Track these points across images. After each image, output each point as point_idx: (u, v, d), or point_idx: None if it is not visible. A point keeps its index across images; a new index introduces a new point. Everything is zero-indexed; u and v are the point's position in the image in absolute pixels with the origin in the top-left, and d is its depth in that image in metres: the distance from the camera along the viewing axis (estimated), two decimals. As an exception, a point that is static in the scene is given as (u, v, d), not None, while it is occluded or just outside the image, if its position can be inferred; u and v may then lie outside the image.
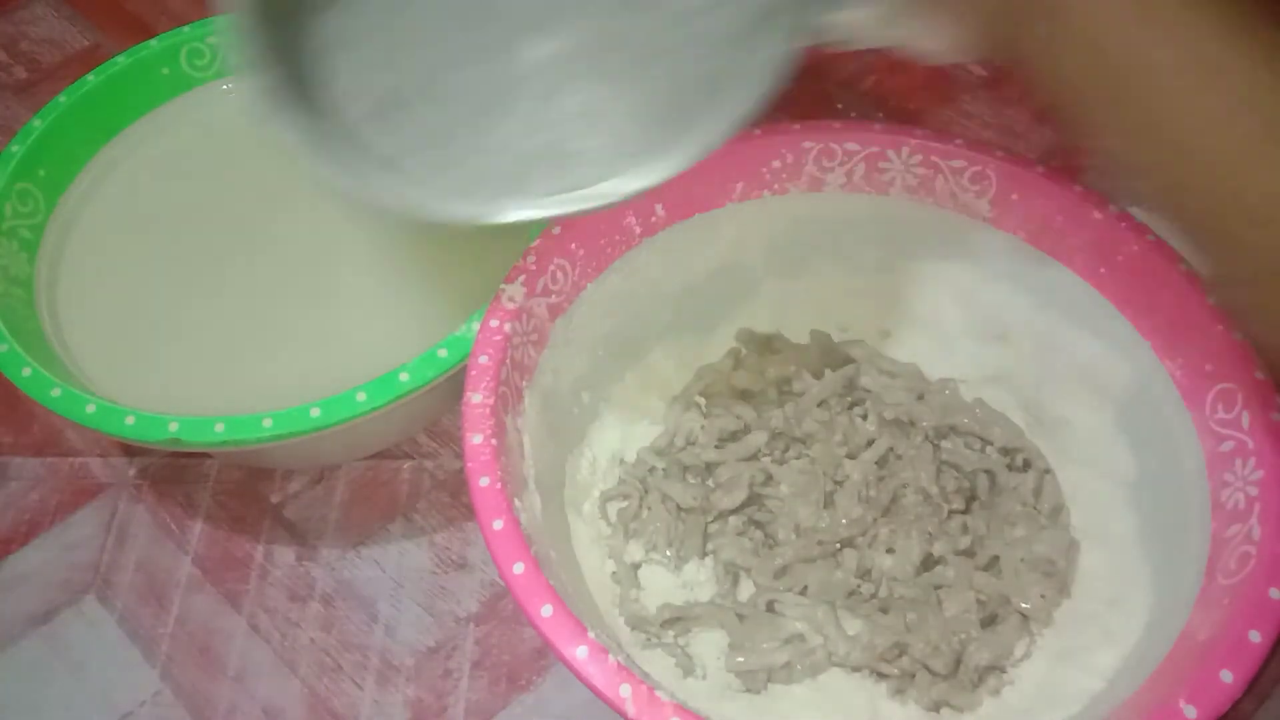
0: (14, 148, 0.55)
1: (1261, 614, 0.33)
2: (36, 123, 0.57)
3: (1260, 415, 0.38)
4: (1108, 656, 0.40)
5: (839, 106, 0.69)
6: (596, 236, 0.46)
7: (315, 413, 0.44)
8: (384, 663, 0.49)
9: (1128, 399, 0.45)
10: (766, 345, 0.53)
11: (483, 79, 0.41)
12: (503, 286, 0.43)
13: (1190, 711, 0.31)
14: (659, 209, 0.47)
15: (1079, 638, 0.42)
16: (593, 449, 0.49)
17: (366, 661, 0.49)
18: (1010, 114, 0.68)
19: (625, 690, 0.32)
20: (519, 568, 0.35)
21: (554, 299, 0.45)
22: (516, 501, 0.38)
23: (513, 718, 0.47)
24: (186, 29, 0.61)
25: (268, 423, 0.44)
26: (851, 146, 0.47)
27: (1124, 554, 0.44)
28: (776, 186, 0.48)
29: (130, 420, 0.45)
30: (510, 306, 0.42)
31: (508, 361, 0.41)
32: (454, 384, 0.43)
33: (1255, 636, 0.33)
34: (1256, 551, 0.35)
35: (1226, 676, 0.32)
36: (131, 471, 0.56)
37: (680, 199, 0.47)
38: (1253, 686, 0.32)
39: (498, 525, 0.36)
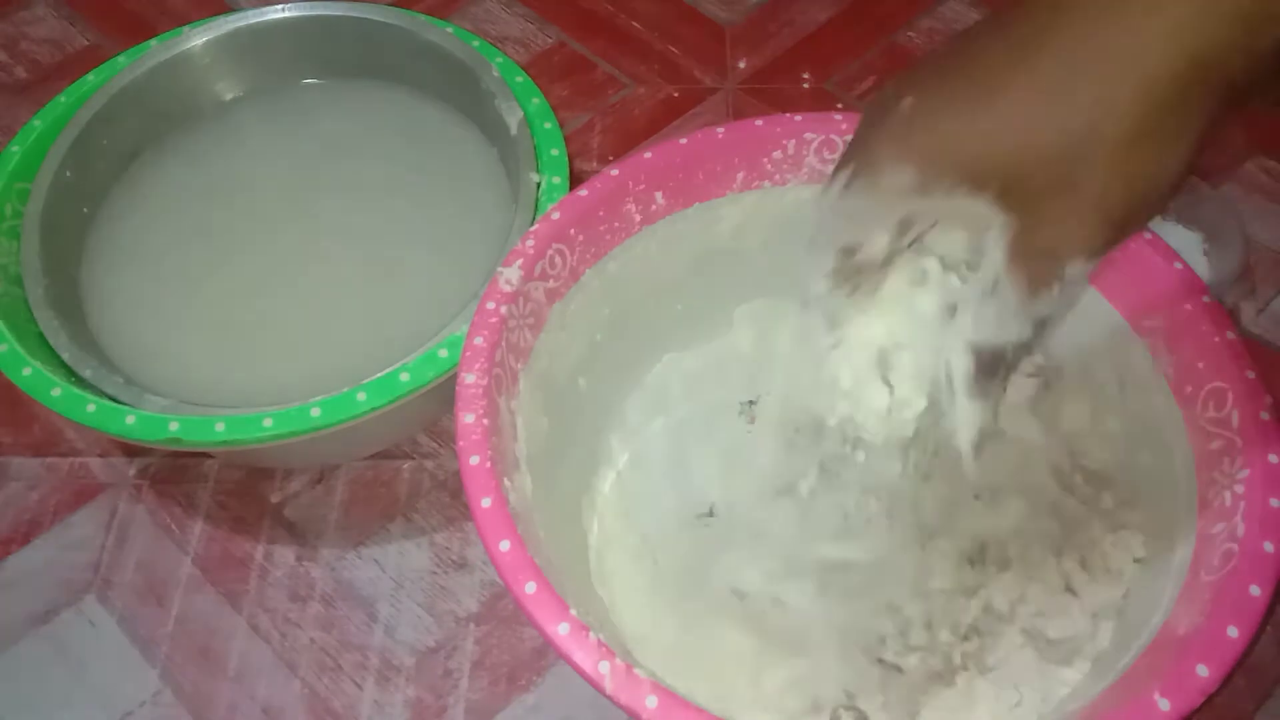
0: (14, 148, 0.55)
1: (1241, 610, 0.33)
2: (36, 123, 0.57)
3: (1250, 414, 0.38)
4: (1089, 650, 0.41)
5: (839, 106, 0.70)
6: (596, 223, 0.45)
7: (315, 413, 0.44)
8: (384, 663, 0.49)
9: (1120, 395, 0.45)
10: None
11: None
12: (500, 269, 0.43)
13: (1164, 704, 0.31)
14: (659, 197, 0.47)
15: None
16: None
17: (366, 661, 0.49)
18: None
19: (604, 667, 0.33)
20: (505, 545, 0.35)
21: (551, 283, 0.44)
22: (506, 481, 0.38)
23: (513, 718, 0.47)
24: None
25: (268, 422, 0.44)
26: None
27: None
28: (777, 177, 0.48)
29: (130, 420, 0.45)
30: (507, 289, 0.42)
31: (503, 344, 0.41)
32: (454, 384, 0.43)
33: (1233, 632, 0.33)
34: (1239, 549, 0.35)
35: (1202, 671, 0.32)
36: (131, 471, 0.56)
37: (681, 188, 0.47)
38: (1229, 680, 0.32)
39: (486, 503, 0.36)
